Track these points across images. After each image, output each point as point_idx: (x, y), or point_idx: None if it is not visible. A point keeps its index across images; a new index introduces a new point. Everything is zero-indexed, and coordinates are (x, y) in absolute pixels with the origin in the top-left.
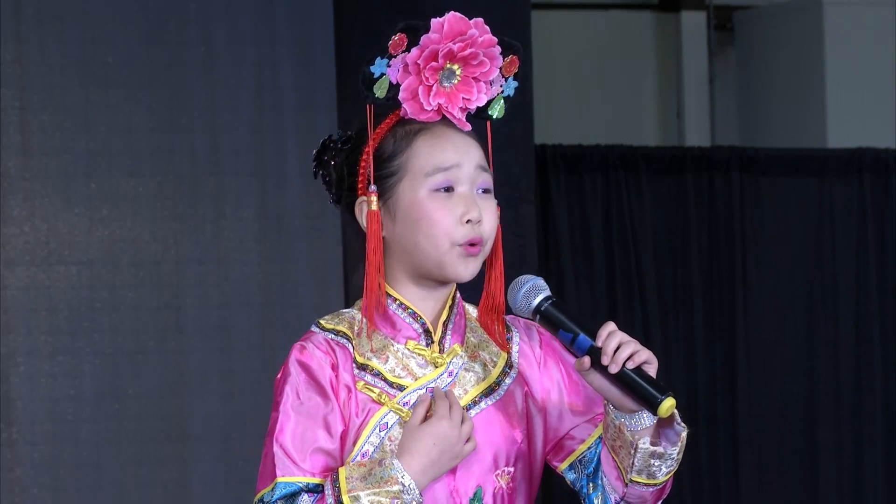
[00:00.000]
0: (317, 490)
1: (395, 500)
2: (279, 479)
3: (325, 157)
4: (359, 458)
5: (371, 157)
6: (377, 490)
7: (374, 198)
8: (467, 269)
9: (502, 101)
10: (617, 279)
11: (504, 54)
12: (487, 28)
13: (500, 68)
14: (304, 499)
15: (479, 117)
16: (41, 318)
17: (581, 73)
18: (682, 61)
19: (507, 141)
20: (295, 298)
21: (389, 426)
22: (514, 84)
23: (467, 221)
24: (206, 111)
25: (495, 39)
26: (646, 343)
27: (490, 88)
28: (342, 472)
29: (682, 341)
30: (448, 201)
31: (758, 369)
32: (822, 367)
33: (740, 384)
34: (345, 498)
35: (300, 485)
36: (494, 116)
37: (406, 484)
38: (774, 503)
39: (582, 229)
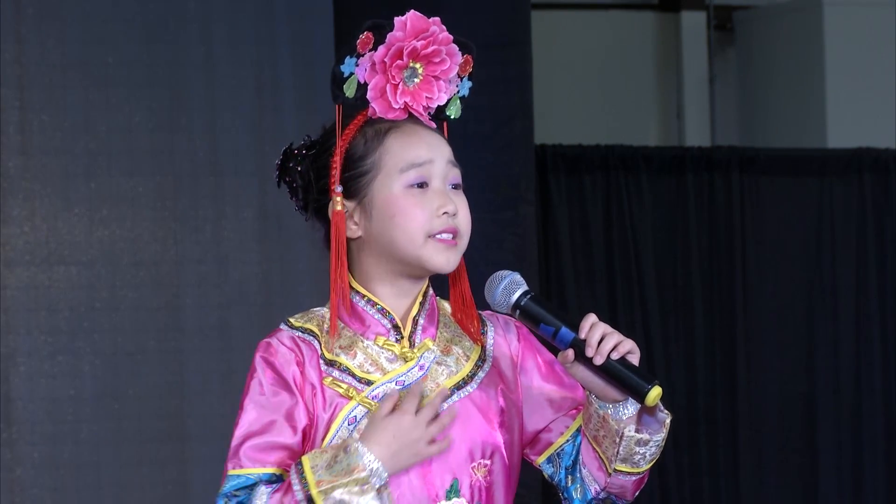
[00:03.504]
0: (272, 480)
1: (364, 486)
2: (230, 472)
3: (290, 164)
4: None
5: (340, 157)
6: (346, 480)
7: (338, 198)
8: (448, 261)
9: (458, 101)
10: (617, 279)
11: (460, 53)
12: (444, 26)
13: (458, 67)
14: (262, 490)
15: (437, 118)
16: (41, 318)
17: (581, 73)
18: (682, 61)
19: (507, 141)
20: (295, 298)
21: (358, 419)
22: (468, 84)
23: (443, 214)
24: (206, 111)
25: (451, 37)
26: (646, 343)
27: (449, 87)
28: (306, 462)
29: (682, 341)
30: (423, 197)
31: (758, 369)
32: (822, 367)
33: (740, 384)
34: (314, 492)
35: (253, 477)
36: (452, 116)
37: (374, 468)
38: (774, 503)
39: (582, 229)
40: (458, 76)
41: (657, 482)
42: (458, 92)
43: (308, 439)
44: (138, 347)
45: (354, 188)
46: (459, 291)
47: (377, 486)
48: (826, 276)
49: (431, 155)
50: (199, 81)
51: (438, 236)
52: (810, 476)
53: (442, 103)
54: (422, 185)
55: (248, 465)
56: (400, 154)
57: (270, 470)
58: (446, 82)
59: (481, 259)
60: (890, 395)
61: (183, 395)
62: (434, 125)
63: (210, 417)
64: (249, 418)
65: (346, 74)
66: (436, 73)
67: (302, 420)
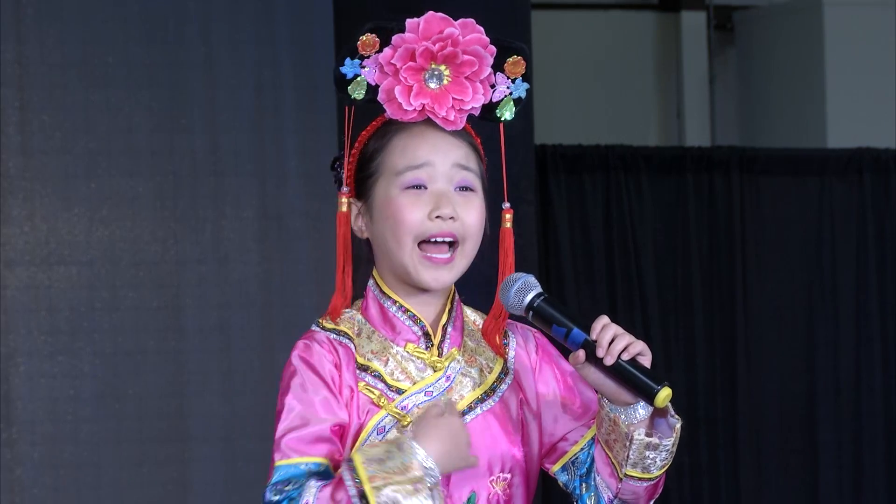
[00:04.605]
0: (320, 472)
1: (418, 485)
2: (277, 463)
3: (333, 169)
4: None
5: (353, 158)
6: (399, 479)
7: (344, 199)
8: (436, 279)
9: (512, 102)
10: (617, 279)
11: (505, 55)
12: (479, 28)
13: (504, 69)
14: (311, 484)
15: (489, 119)
16: (41, 318)
17: (581, 73)
18: (682, 61)
19: (507, 141)
20: (295, 298)
21: (387, 430)
22: (524, 86)
23: (436, 218)
24: (206, 111)
25: (485, 39)
26: (646, 342)
27: (490, 89)
28: (357, 457)
29: (682, 341)
30: (418, 198)
31: (758, 369)
32: (822, 367)
33: (740, 384)
34: (367, 488)
35: (303, 466)
36: (503, 118)
37: (428, 466)
38: (774, 503)
39: (582, 229)
40: (509, 78)
41: None
42: (510, 94)
43: (343, 440)
44: (138, 347)
45: (363, 189)
46: (498, 301)
47: (430, 485)
48: (826, 276)
49: (432, 157)
50: (199, 81)
51: (427, 254)
52: (810, 476)
53: (479, 104)
54: (420, 187)
55: (294, 456)
56: (400, 156)
57: (317, 459)
58: (483, 83)
59: (481, 259)
60: (890, 395)
61: (183, 395)
62: (457, 126)
63: (210, 417)
64: (291, 414)
65: (349, 76)
66: (465, 73)
67: (342, 417)
